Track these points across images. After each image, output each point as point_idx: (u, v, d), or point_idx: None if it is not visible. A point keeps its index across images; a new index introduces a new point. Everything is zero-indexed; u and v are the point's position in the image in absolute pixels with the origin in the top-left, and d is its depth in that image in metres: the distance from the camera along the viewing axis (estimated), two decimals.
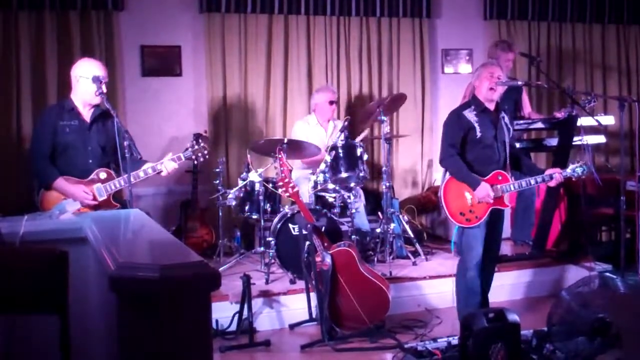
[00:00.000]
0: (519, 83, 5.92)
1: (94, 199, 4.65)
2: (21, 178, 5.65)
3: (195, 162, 5.09)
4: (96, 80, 4.58)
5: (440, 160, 4.74)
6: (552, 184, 4.70)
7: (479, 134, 4.57)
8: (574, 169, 4.66)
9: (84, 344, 3.00)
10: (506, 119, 4.77)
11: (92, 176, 4.73)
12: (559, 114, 6.09)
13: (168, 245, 2.73)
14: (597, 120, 5.56)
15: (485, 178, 4.58)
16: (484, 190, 4.53)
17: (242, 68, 6.66)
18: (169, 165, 4.80)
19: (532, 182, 4.69)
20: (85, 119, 4.80)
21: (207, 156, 5.03)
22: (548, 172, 4.69)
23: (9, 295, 2.51)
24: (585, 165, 4.66)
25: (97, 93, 4.60)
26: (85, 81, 4.67)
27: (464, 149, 4.64)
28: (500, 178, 4.60)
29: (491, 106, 4.66)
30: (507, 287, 5.66)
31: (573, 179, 4.77)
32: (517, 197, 6.22)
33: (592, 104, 5.94)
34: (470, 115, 4.61)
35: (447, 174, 4.71)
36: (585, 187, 5.96)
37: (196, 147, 4.92)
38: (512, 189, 4.63)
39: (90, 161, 4.77)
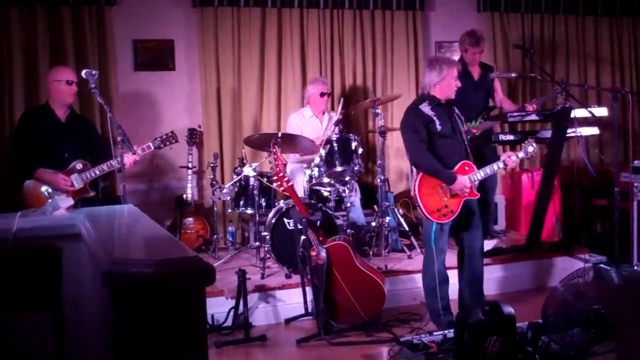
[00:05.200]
0: (513, 75, 5.95)
1: (72, 186, 5.15)
2: (14, 175, 5.63)
3: (163, 150, 5.53)
4: (88, 74, 4.74)
5: (410, 157, 4.71)
6: (508, 167, 5.00)
7: (438, 127, 4.58)
8: (525, 149, 4.82)
9: (79, 340, 3.00)
10: (457, 110, 4.80)
11: (69, 167, 5.21)
12: (530, 106, 6.12)
13: (162, 240, 2.72)
14: (590, 112, 5.57)
15: (453, 170, 4.60)
16: (461, 183, 4.55)
17: (236, 62, 6.64)
18: (129, 158, 5.15)
19: (495, 167, 4.78)
20: (61, 118, 5.36)
21: (173, 141, 5.43)
22: (503, 157, 4.85)
23: (1, 293, 2.50)
24: (534, 143, 4.85)
25: (90, 89, 4.76)
26: (58, 84, 5.28)
27: (428, 145, 4.62)
28: (466, 169, 4.63)
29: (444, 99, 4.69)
30: (501, 279, 5.67)
31: (527, 157, 4.93)
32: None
33: (561, 94, 5.90)
34: (426, 109, 4.60)
35: (415, 172, 4.68)
36: (579, 179, 5.98)
37: (164, 136, 5.40)
38: (479, 177, 4.68)
39: (67, 155, 5.25)
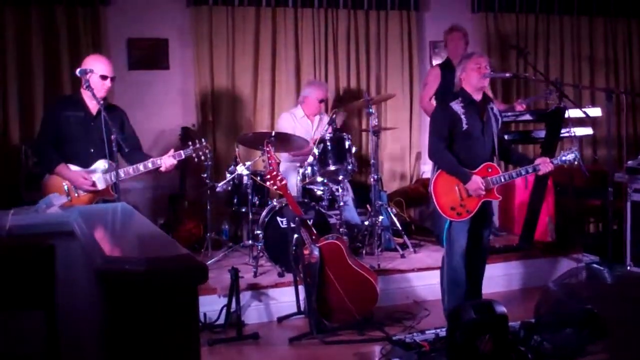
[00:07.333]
0: (507, 75, 5.94)
1: (93, 186, 4.80)
2: (6, 172, 5.61)
3: (196, 159, 5.17)
4: (82, 73, 4.62)
5: (430, 154, 4.65)
6: (541, 172, 4.61)
7: (465, 126, 4.49)
8: (564, 155, 4.58)
9: (72, 338, 2.99)
10: (495, 109, 4.72)
11: (93, 166, 4.86)
12: (519, 106, 6.13)
13: (155, 238, 2.72)
14: (584, 112, 5.58)
15: (475, 171, 4.52)
16: (476, 183, 4.46)
17: (230, 61, 6.64)
18: (167, 161, 4.93)
19: (523, 172, 4.62)
20: (92, 111, 4.89)
21: (208, 155, 5.18)
22: (537, 161, 4.60)
23: None
24: (576, 151, 4.59)
25: (84, 86, 4.65)
26: (90, 75, 4.75)
27: (451, 142, 4.55)
28: (489, 170, 4.53)
29: (478, 97, 4.61)
30: (494, 279, 5.67)
31: (565, 166, 4.70)
32: None
33: (551, 95, 5.93)
34: (457, 107, 4.52)
35: (436, 168, 4.64)
36: (573, 179, 5.99)
37: (198, 145, 5.08)
38: (502, 180, 4.54)
39: (92, 151, 4.86)
